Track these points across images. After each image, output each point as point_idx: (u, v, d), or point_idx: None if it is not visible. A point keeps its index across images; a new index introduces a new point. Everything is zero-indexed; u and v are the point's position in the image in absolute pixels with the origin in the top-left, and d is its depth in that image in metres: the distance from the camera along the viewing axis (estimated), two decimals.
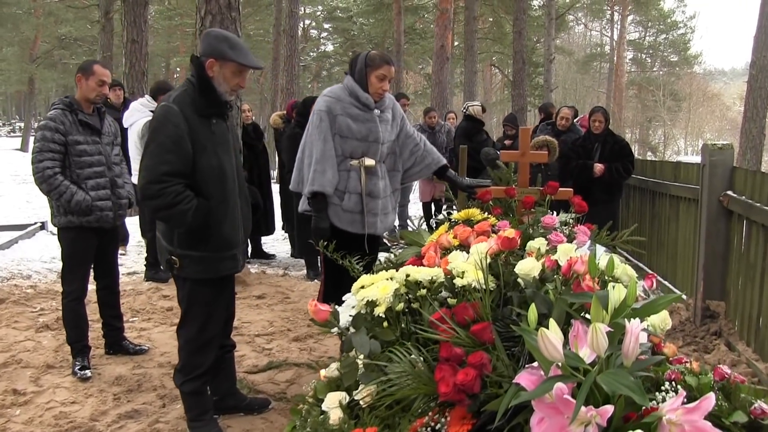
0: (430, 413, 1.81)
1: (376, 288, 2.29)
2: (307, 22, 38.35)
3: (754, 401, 1.77)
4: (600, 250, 2.83)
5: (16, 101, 53.66)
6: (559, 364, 1.50)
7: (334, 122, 3.39)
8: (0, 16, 29.99)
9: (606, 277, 1.99)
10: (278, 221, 7.70)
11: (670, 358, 2.18)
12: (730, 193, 4.23)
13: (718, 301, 4.38)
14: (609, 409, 1.36)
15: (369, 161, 3.44)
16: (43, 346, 4.33)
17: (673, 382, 1.87)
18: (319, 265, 3.50)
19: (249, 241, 7.63)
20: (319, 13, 37.72)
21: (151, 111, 5.68)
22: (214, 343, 2.95)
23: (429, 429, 1.77)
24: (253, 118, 7.84)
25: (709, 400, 1.37)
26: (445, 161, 3.79)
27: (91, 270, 4.08)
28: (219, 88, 2.77)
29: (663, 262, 5.94)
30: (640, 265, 6.60)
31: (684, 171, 5.39)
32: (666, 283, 5.75)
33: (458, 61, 26.18)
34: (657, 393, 1.83)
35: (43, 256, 7.03)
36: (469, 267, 2.29)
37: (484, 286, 2.04)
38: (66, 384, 3.76)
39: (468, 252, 2.53)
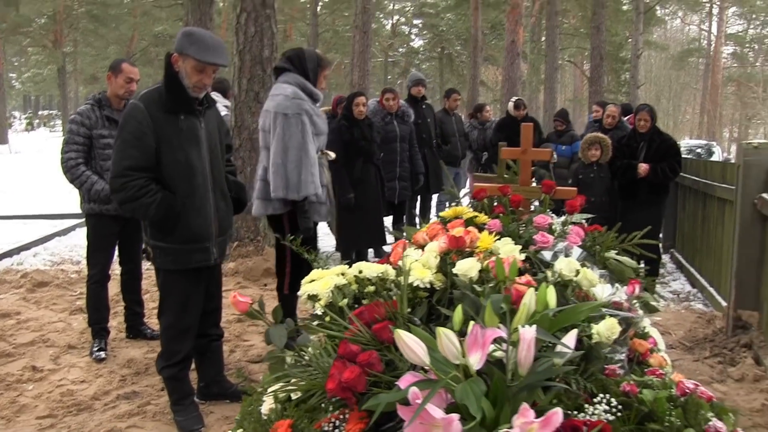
0: (338, 411, 1.79)
1: (319, 282, 2.29)
2: (397, 17, 38.57)
3: (711, 419, 1.65)
4: (576, 253, 2.69)
5: None
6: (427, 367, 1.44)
7: None
8: (105, 17, 32.05)
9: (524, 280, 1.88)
10: None
11: (653, 369, 2.06)
12: (765, 195, 3.91)
13: (750, 312, 4.07)
14: (454, 418, 1.28)
15: None
16: (72, 328, 4.58)
17: (608, 395, 1.77)
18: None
19: None
20: (408, 8, 37.84)
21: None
22: (191, 332, 3.03)
23: (332, 426, 1.75)
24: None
25: (557, 415, 1.26)
26: None
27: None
28: (185, 84, 2.82)
29: (711, 267, 5.58)
30: (692, 270, 6.24)
31: (730, 172, 5.02)
32: (711, 289, 5.40)
33: (542, 58, 25.49)
34: (588, 406, 1.73)
35: None
36: (417, 265, 2.26)
37: (404, 285, 1.98)
38: (81, 364, 3.96)
39: None
